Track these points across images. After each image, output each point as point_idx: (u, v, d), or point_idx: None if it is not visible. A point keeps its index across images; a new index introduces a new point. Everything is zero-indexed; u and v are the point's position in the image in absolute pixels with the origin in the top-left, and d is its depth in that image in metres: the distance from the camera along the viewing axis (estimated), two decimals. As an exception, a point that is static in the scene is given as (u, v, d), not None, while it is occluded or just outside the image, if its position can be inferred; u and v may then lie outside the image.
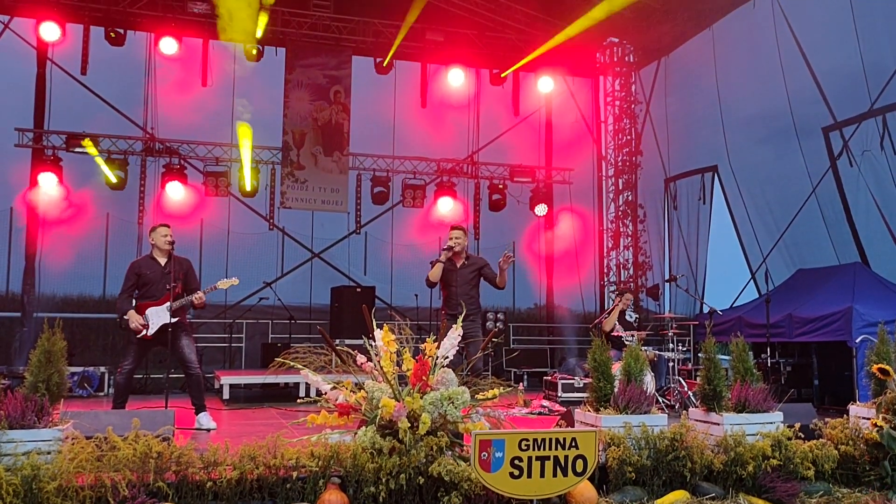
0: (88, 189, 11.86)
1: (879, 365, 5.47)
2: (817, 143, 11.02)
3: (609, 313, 9.18)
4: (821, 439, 5.17)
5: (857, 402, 5.99)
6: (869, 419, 5.27)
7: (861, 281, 9.74)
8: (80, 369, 10.16)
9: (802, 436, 5.07)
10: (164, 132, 12.51)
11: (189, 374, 6.93)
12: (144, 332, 6.75)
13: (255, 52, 12.34)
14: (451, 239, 7.36)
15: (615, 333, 8.86)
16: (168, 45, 11.95)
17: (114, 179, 11.78)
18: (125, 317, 6.77)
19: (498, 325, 12.57)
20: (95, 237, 12.10)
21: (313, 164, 12.95)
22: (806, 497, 4.80)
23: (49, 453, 3.92)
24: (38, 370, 4.25)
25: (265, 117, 12.58)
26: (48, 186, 11.50)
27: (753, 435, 4.95)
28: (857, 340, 8.47)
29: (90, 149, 11.52)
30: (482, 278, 7.45)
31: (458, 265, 7.37)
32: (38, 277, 11.90)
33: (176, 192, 12.09)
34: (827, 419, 5.47)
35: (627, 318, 9.19)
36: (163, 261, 6.97)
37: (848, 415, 5.65)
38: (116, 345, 11.39)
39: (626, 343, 8.12)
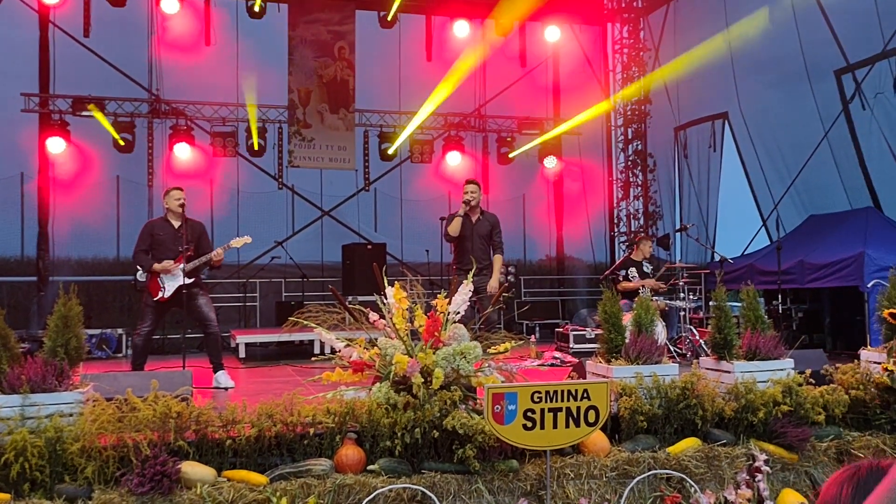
0: (97, 152, 11.87)
1: (891, 310, 5.48)
2: (829, 87, 10.86)
3: (623, 267, 9.12)
4: (831, 384, 5.21)
5: (869, 347, 6.02)
6: (880, 364, 5.30)
7: (873, 225, 9.68)
8: (97, 331, 10.29)
9: (813, 381, 5.11)
10: (170, 93, 12.45)
11: (208, 332, 7.02)
12: (161, 294, 6.82)
13: (257, 8, 12.18)
14: (466, 193, 7.38)
15: (633, 285, 8.83)
16: (169, 4, 11.80)
17: (121, 142, 11.77)
18: (154, 269, 6.80)
19: (509, 277, 12.61)
20: (106, 200, 12.15)
21: (320, 121, 12.87)
22: (816, 441, 4.86)
23: (71, 415, 4.01)
24: (56, 335, 4.32)
25: (270, 75, 12.49)
26: (57, 151, 11.52)
27: (764, 382, 4.99)
28: (868, 285, 8.45)
29: (97, 114, 11.48)
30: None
31: (474, 220, 7.40)
32: (52, 241, 11.98)
33: (184, 154, 12.08)
34: (838, 364, 5.51)
35: (645, 269, 9.10)
36: (176, 223, 7.01)
37: (859, 360, 5.68)
38: (133, 306, 11.52)
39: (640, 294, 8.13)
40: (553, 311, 13.92)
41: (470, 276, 5.03)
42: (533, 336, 10.85)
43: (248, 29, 12.50)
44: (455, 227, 7.28)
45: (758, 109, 12.23)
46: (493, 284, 7.14)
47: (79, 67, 11.84)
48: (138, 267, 7.03)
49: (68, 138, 11.61)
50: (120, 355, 10.31)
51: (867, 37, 9.97)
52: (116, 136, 11.69)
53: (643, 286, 8.59)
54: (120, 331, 10.56)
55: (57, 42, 11.96)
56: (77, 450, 3.78)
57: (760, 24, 11.06)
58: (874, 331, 7.10)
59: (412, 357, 4.37)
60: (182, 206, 6.98)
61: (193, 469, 3.87)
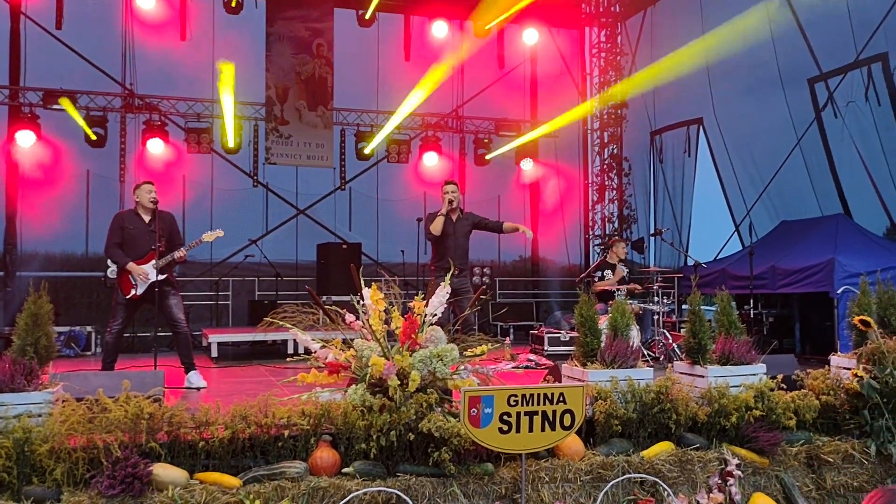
0: (68, 146, 11.67)
1: (861, 316, 5.55)
2: (802, 95, 11.02)
3: (598, 270, 9.17)
4: (802, 390, 5.27)
5: (838, 353, 6.08)
6: (850, 369, 5.37)
7: (843, 232, 9.84)
8: (66, 329, 10.12)
9: (785, 386, 5.16)
10: (144, 88, 12.28)
11: (177, 333, 6.93)
12: (133, 292, 6.72)
13: (234, 3, 12.06)
14: (448, 193, 7.40)
15: (607, 284, 8.90)
16: (145, -2, 11.68)
17: (93, 137, 11.59)
18: (127, 268, 6.70)
19: (484, 279, 12.63)
20: (76, 195, 11.95)
21: (297, 118, 12.79)
22: (787, 446, 4.91)
23: (40, 416, 3.93)
24: (26, 333, 4.24)
25: (247, 72, 12.37)
26: (26, 144, 11.31)
27: (737, 386, 5.03)
28: (838, 291, 8.59)
29: (68, 108, 11.28)
30: (481, 229, 7.56)
31: (455, 219, 7.42)
32: (20, 236, 11.78)
33: (157, 149, 11.94)
34: (808, 370, 5.57)
35: (621, 271, 9.14)
36: (147, 218, 6.90)
37: (829, 365, 5.76)
38: (102, 303, 11.35)
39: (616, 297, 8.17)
40: (527, 313, 13.95)
41: (448, 277, 5.01)
42: (507, 338, 10.86)
43: (225, 24, 12.39)
44: (438, 226, 7.30)
45: (732, 116, 12.37)
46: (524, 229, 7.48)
47: (51, 60, 11.65)
48: (109, 263, 6.92)
49: (38, 132, 11.41)
50: (89, 353, 10.16)
51: (840, 46, 10.13)
52: (88, 131, 11.51)
53: (618, 289, 8.64)
54: (89, 328, 10.40)
55: (28, 34, 11.76)
56: (46, 451, 3.71)
57: (736, 31, 11.18)
58: (843, 336, 7.20)
59: (388, 359, 4.34)
60: (155, 201, 6.87)
61: (165, 471, 3.81)
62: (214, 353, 9.39)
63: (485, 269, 12.80)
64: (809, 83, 10.90)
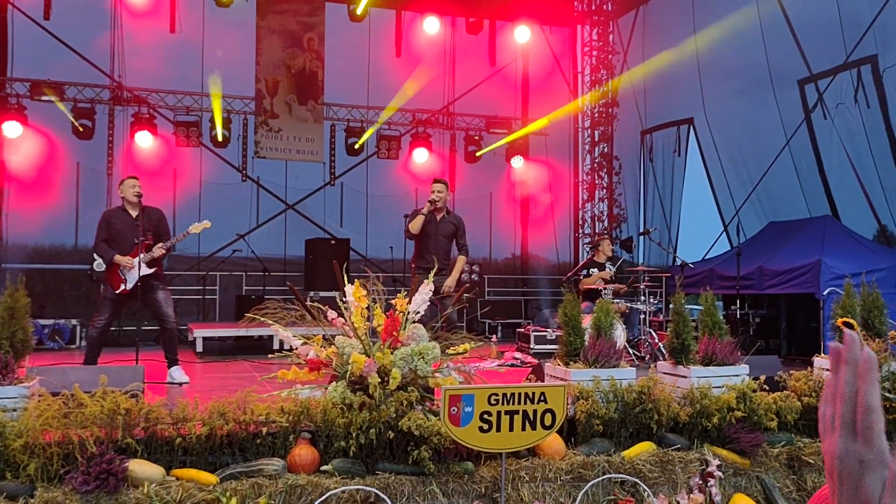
0: (56, 138, 11.60)
1: (844, 318, 5.55)
2: (792, 96, 11.04)
3: (586, 268, 9.16)
4: (785, 391, 5.27)
5: (822, 354, 6.09)
6: (832, 371, 5.36)
7: (831, 234, 9.86)
8: (51, 322, 10.04)
9: (767, 388, 5.16)
10: (132, 80, 12.20)
11: (164, 327, 6.89)
12: (123, 287, 6.67)
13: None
14: (434, 192, 7.36)
15: (590, 280, 8.89)
16: (134, -10, 11.59)
17: (80, 129, 11.51)
18: (115, 260, 6.66)
19: (473, 276, 12.61)
20: (65, 187, 11.87)
21: (287, 112, 12.73)
22: (768, 447, 4.91)
23: (15, 410, 3.89)
24: (2, 327, 4.19)
25: (237, 65, 12.30)
26: (13, 135, 11.22)
27: (719, 387, 5.03)
28: (824, 293, 8.60)
29: (54, 99, 11.19)
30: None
31: (438, 218, 7.37)
32: (6, 228, 11.69)
33: (145, 142, 11.87)
34: (792, 371, 5.57)
35: (608, 270, 9.12)
36: (134, 213, 6.86)
37: (812, 366, 5.76)
38: (89, 296, 11.29)
39: (602, 296, 8.16)
40: (516, 311, 13.94)
41: (430, 275, 4.99)
42: (494, 336, 10.85)
43: (215, 17, 12.30)
44: (416, 225, 7.24)
45: (722, 116, 12.38)
46: (448, 284, 7.06)
47: (38, 51, 11.56)
48: (96, 256, 6.89)
49: (25, 122, 11.33)
50: (73, 346, 10.07)
51: (830, 48, 10.15)
52: (75, 122, 11.43)
53: (604, 289, 8.62)
54: (74, 321, 10.33)
55: (16, 24, 11.66)
56: (20, 446, 3.66)
57: (727, 31, 11.20)
58: (828, 338, 7.21)
59: (370, 356, 4.32)
60: (139, 195, 6.82)
61: (141, 467, 3.78)
62: (199, 348, 9.33)
63: (474, 267, 12.79)
64: (799, 84, 10.92)
